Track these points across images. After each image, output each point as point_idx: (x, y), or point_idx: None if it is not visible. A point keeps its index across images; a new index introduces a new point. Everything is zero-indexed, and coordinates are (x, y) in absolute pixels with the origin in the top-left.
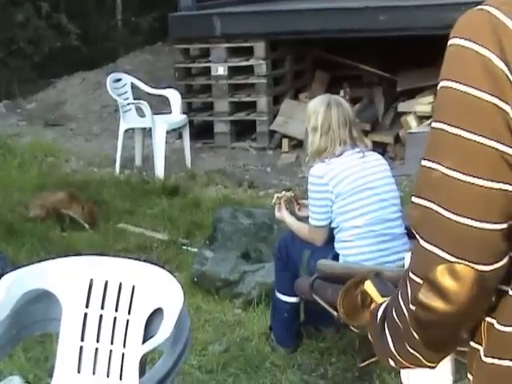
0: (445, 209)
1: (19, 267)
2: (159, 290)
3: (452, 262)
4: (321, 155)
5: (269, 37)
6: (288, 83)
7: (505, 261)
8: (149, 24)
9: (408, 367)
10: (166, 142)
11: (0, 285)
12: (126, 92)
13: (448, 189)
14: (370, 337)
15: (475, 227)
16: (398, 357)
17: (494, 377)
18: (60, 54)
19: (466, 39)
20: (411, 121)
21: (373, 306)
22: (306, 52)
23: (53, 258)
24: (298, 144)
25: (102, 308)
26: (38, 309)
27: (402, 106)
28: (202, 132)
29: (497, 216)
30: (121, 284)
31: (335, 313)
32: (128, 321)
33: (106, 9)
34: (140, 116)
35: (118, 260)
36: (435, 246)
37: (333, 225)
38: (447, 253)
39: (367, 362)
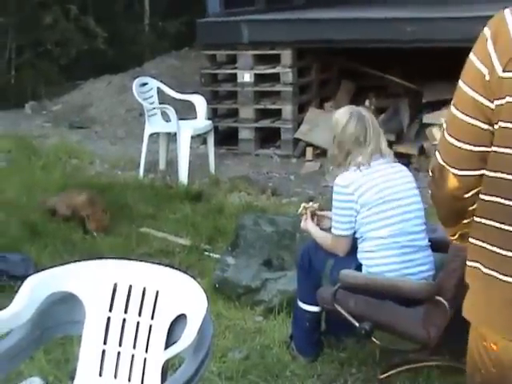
0: (446, 131)
1: (42, 269)
2: (183, 295)
3: (442, 165)
4: (345, 166)
5: (295, 45)
6: (313, 92)
7: (476, 172)
8: (176, 29)
9: (450, 240)
10: (191, 148)
11: (24, 286)
12: (152, 96)
13: (448, 118)
14: None
15: (457, 146)
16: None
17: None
18: (87, 57)
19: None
20: (436, 133)
21: None
22: (332, 61)
23: (76, 261)
24: (322, 153)
25: (126, 312)
26: (62, 311)
27: (427, 118)
28: (226, 138)
29: (472, 141)
30: (145, 289)
31: (357, 323)
32: (151, 326)
33: (133, 13)
34: (165, 120)
35: (142, 264)
36: (438, 152)
37: (356, 235)
38: (441, 158)
39: (387, 374)
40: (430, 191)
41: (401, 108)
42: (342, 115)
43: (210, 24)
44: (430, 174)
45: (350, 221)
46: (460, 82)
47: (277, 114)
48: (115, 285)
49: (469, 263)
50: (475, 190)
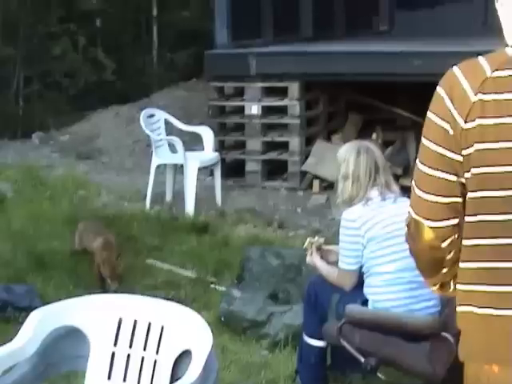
0: (416, 186)
1: (47, 301)
2: (188, 331)
3: (416, 219)
4: (353, 201)
5: (303, 77)
6: (321, 124)
7: (449, 222)
8: (184, 60)
9: (431, 290)
10: (197, 179)
11: (29, 320)
12: (159, 128)
13: (417, 174)
14: None
15: (428, 199)
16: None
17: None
18: (95, 88)
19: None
20: None
21: None
22: (339, 94)
23: (81, 294)
24: (329, 185)
25: (130, 347)
26: (66, 346)
27: None
28: (233, 170)
29: (442, 193)
30: (150, 324)
31: (362, 358)
32: (156, 361)
33: (141, 44)
34: (172, 152)
35: (147, 299)
36: (411, 207)
37: (363, 269)
38: (414, 212)
39: None
40: (407, 245)
41: (408, 141)
42: (351, 149)
43: (217, 56)
44: (406, 228)
45: (356, 255)
46: (423, 140)
47: (284, 146)
48: (120, 319)
49: (460, 309)
50: (451, 239)
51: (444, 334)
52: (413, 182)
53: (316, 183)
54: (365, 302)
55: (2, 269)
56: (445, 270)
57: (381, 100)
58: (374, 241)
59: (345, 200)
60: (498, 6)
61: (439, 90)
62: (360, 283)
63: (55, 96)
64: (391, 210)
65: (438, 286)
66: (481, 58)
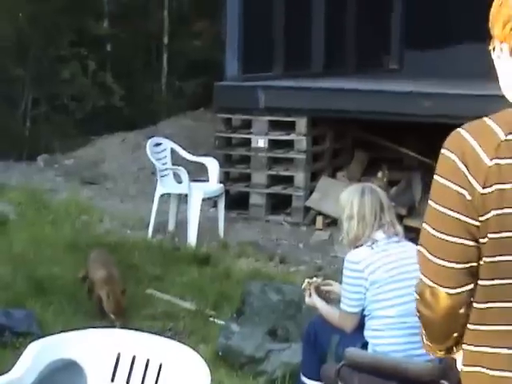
0: (429, 252)
1: (46, 328)
2: (187, 370)
3: (432, 287)
4: (358, 242)
5: (311, 113)
6: (326, 160)
7: (467, 287)
8: (192, 89)
9: (434, 354)
10: (201, 210)
11: (27, 351)
12: (165, 157)
13: (430, 240)
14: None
15: (447, 266)
16: (425, 347)
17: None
18: (102, 113)
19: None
20: None
21: None
22: (346, 130)
23: (80, 321)
24: (332, 222)
25: (128, 383)
26: (63, 378)
27: None
28: (237, 202)
29: (459, 259)
30: (148, 360)
31: None
32: None
33: (151, 71)
34: (177, 181)
35: (146, 335)
36: (424, 275)
37: (364, 312)
38: (430, 280)
39: None
40: (417, 314)
41: (413, 182)
42: (354, 191)
43: (227, 88)
44: (418, 297)
45: (359, 298)
46: (435, 205)
47: (289, 180)
48: (119, 354)
49: (468, 369)
50: (467, 304)
51: (443, 381)
52: (422, 249)
53: (319, 219)
54: (365, 345)
55: (1, 292)
56: (455, 335)
57: (388, 139)
58: (376, 284)
59: (350, 240)
60: (494, 57)
61: (449, 154)
62: (361, 325)
63: (62, 119)
64: (395, 254)
65: (444, 352)
66: (488, 120)
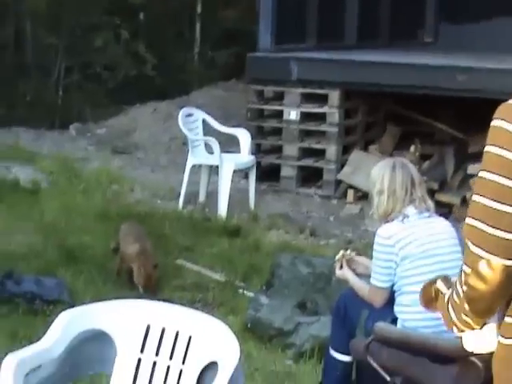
0: (485, 224)
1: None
2: (216, 343)
3: (488, 259)
4: (387, 217)
5: (344, 86)
6: (359, 134)
7: None
8: (225, 60)
9: (463, 331)
10: (232, 181)
11: (57, 321)
12: (197, 127)
13: (486, 212)
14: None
15: (504, 237)
16: (457, 323)
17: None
18: (134, 82)
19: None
20: None
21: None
22: (379, 104)
23: (110, 291)
24: (364, 196)
25: (157, 355)
26: (93, 349)
27: (471, 168)
28: (268, 174)
29: None
30: (178, 332)
31: (388, 377)
32: (181, 371)
33: (184, 41)
34: (208, 152)
35: (177, 307)
36: (479, 248)
37: (394, 287)
38: (487, 252)
39: None
40: (463, 289)
41: (446, 156)
42: (385, 166)
43: (259, 59)
44: (469, 270)
45: (389, 273)
46: (492, 176)
47: (321, 153)
48: (148, 326)
49: (507, 341)
50: None
51: (472, 358)
52: (476, 222)
53: (350, 193)
54: (394, 321)
55: (32, 260)
56: (498, 308)
57: (420, 112)
58: (407, 259)
59: (380, 214)
60: None
61: (500, 123)
62: (390, 301)
63: (94, 88)
64: (427, 229)
65: (480, 327)
66: None
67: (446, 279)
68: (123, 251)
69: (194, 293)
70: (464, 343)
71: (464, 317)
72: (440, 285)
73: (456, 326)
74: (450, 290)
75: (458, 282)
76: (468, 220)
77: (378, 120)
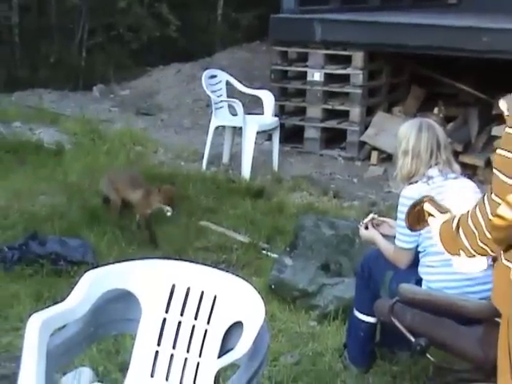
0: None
1: (100, 258)
2: (241, 302)
3: None
4: (411, 178)
5: (368, 47)
6: (382, 95)
7: None
8: (248, 21)
9: (474, 256)
10: (255, 143)
11: (82, 281)
12: (221, 89)
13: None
14: (438, 237)
15: None
16: (469, 248)
17: None
18: (158, 44)
19: None
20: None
21: (430, 218)
22: (403, 65)
23: (133, 252)
24: (387, 157)
25: (182, 315)
26: (118, 309)
27: (496, 130)
28: (291, 136)
29: None
30: (203, 292)
31: (412, 338)
32: (206, 330)
33: (207, 2)
34: (232, 114)
35: (202, 267)
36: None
37: (419, 248)
38: None
39: None
40: (488, 217)
41: (470, 118)
42: (412, 126)
43: (283, 20)
44: (499, 200)
45: (413, 234)
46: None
47: (344, 115)
48: (173, 286)
49: None
50: None
51: (498, 319)
52: (507, 152)
53: (374, 154)
54: (418, 282)
55: (56, 221)
56: None
57: (444, 74)
58: None
59: (403, 175)
60: None
61: None
62: (415, 262)
63: (118, 49)
64: (452, 191)
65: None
66: None
67: (433, 201)
68: (129, 202)
69: (217, 254)
70: (458, 266)
71: (480, 243)
72: (429, 208)
73: (465, 250)
74: (460, 215)
75: (478, 211)
76: (499, 151)
77: (402, 82)
